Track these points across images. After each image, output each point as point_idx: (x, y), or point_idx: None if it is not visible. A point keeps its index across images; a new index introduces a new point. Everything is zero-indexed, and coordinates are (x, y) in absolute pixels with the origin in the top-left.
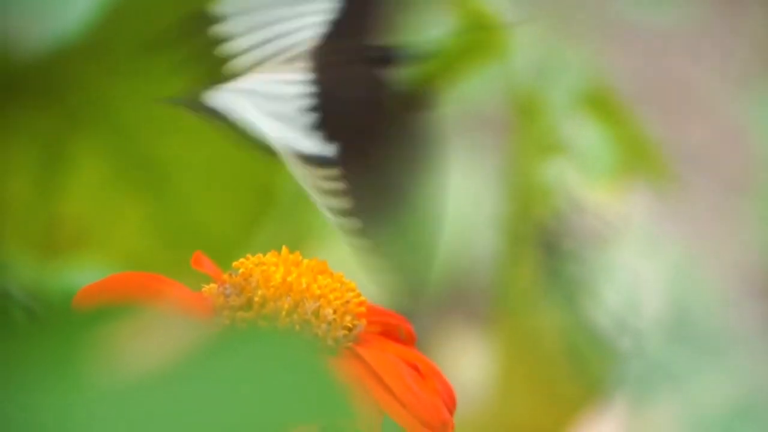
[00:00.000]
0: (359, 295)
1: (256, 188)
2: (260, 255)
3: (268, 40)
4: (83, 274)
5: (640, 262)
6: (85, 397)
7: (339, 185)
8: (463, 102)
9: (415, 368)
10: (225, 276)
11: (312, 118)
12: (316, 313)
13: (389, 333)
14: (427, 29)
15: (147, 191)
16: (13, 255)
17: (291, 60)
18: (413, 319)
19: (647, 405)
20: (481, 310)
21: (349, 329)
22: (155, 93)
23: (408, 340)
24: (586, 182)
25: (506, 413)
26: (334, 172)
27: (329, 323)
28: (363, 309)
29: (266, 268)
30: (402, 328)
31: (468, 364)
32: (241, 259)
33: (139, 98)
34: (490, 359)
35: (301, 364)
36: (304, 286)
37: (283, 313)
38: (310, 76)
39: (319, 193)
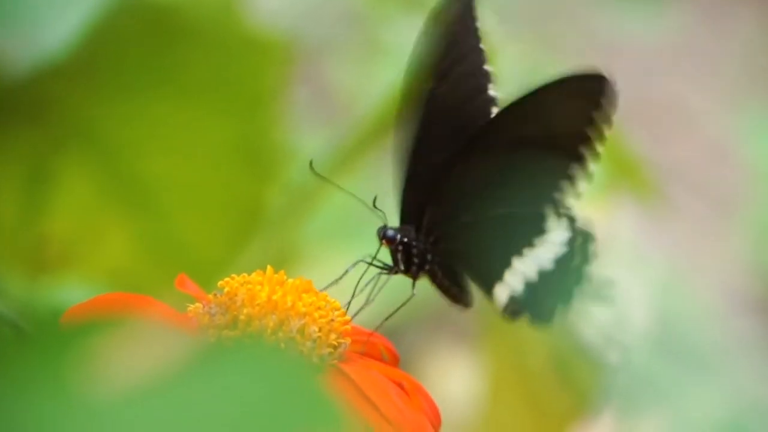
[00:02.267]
0: (344, 313)
1: (242, 207)
2: (245, 274)
3: None
4: (70, 292)
5: (627, 277)
6: (74, 413)
7: None
8: None
9: (400, 386)
10: (210, 295)
11: None
12: (301, 331)
13: (372, 353)
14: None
15: (132, 210)
16: (0, 273)
17: None
18: (401, 336)
19: (634, 419)
20: (469, 325)
21: (334, 347)
22: (140, 113)
23: (391, 361)
24: (573, 198)
25: (494, 428)
26: None
27: (314, 341)
28: (348, 327)
29: (251, 287)
30: (384, 348)
31: (456, 379)
32: (226, 279)
33: (124, 118)
34: (478, 374)
35: (291, 378)
36: (289, 304)
37: (269, 331)
38: None
39: None
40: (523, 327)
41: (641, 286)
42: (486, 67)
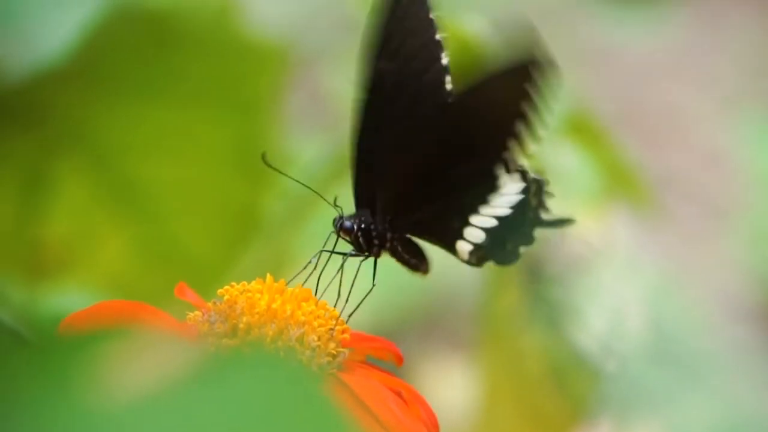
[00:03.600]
0: (343, 322)
1: (238, 212)
2: (245, 282)
3: None
4: (68, 298)
5: (622, 285)
6: (76, 422)
7: None
8: None
9: (399, 394)
10: (210, 303)
11: None
12: (301, 340)
13: (378, 355)
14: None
15: (129, 215)
16: None
17: None
18: (397, 343)
19: (630, 426)
20: (466, 333)
21: (333, 356)
22: (137, 118)
23: (395, 361)
24: (568, 207)
25: None
26: None
27: (313, 350)
28: (347, 336)
29: (251, 296)
30: (388, 351)
31: (452, 386)
32: (226, 287)
33: (121, 123)
34: (474, 381)
35: (293, 387)
36: (288, 313)
37: (268, 339)
38: None
39: None
40: (518, 335)
41: (636, 293)
42: (437, 36)
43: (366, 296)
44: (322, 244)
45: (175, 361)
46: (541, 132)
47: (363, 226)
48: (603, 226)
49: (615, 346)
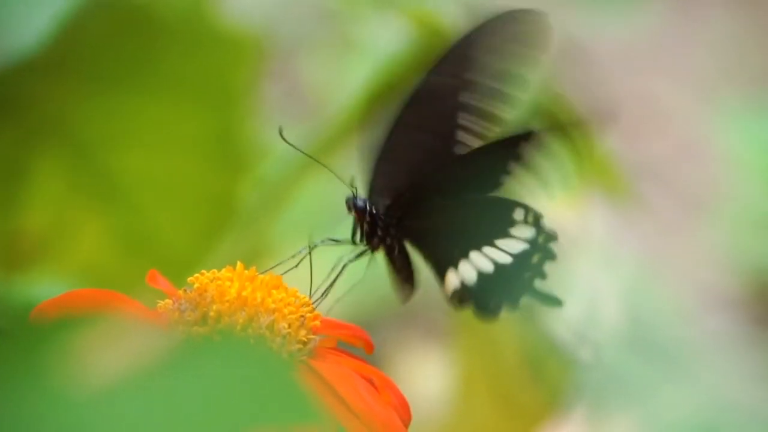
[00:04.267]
0: (313, 309)
1: (214, 203)
2: (215, 270)
3: None
4: (43, 288)
5: (599, 275)
6: (50, 408)
7: None
8: None
9: (370, 381)
10: (180, 291)
11: None
12: (271, 328)
13: (349, 341)
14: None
15: (105, 205)
16: None
17: None
18: (372, 332)
19: (606, 416)
20: (442, 323)
21: (304, 343)
22: (112, 109)
23: (366, 349)
24: (545, 196)
25: (466, 425)
26: None
27: (284, 337)
28: (317, 323)
29: (221, 283)
30: (359, 339)
31: (427, 376)
32: (196, 275)
33: (97, 114)
34: (449, 371)
35: (265, 372)
36: (258, 300)
37: (238, 327)
38: None
39: None
40: (494, 324)
41: (613, 283)
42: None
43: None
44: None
45: (145, 346)
46: (561, 190)
47: (374, 211)
48: (580, 216)
49: (591, 336)
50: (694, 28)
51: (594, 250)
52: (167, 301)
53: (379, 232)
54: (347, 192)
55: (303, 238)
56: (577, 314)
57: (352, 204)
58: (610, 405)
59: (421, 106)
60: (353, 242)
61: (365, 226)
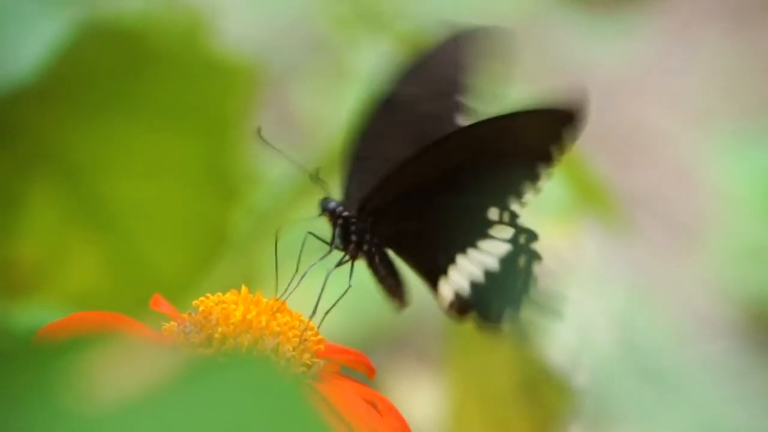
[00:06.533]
0: (317, 333)
1: (207, 229)
2: (220, 294)
3: None
4: (38, 316)
5: (592, 300)
6: (55, 428)
7: None
8: None
9: (373, 405)
10: (185, 314)
11: None
12: (276, 350)
13: (350, 364)
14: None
15: (100, 232)
16: None
17: None
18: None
19: None
20: (435, 349)
21: (308, 366)
22: (107, 136)
23: (367, 373)
24: (538, 221)
25: None
26: None
27: (288, 360)
28: (321, 347)
29: (226, 306)
30: (361, 363)
31: (420, 402)
32: (201, 298)
33: (91, 141)
34: (442, 397)
35: (274, 391)
36: (263, 323)
37: (243, 349)
38: None
39: None
40: (488, 350)
41: (606, 309)
42: (462, 97)
43: (339, 299)
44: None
45: (153, 366)
46: (542, 182)
47: (345, 213)
48: (572, 241)
49: (585, 361)
50: (688, 55)
51: (587, 275)
52: (172, 323)
53: (354, 237)
54: (316, 169)
55: (293, 265)
56: (570, 339)
57: (323, 205)
58: (605, 430)
59: (391, 114)
60: (331, 248)
61: (338, 231)
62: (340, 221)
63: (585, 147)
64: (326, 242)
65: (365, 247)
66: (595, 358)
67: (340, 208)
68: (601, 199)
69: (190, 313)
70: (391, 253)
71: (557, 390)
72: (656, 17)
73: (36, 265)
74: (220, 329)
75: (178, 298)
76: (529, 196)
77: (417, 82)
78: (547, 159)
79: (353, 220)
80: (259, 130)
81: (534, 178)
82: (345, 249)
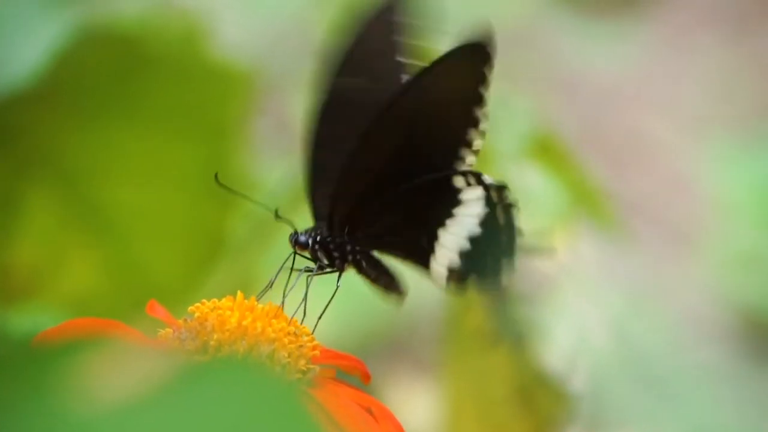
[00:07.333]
0: (313, 339)
1: (204, 235)
2: (215, 300)
3: None
4: (36, 320)
5: (588, 305)
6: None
7: None
8: None
9: (368, 411)
10: (180, 321)
11: None
12: (271, 357)
13: (347, 369)
14: None
15: (97, 238)
16: None
17: None
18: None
19: None
20: (431, 355)
21: (303, 373)
22: (104, 141)
23: (362, 378)
24: (534, 227)
25: None
26: None
27: (284, 366)
28: (317, 353)
29: (221, 313)
30: (357, 369)
31: (416, 408)
32: (197, 304)
33: (88, 146)
34: (438, 403)
35: (270, 395)
36: (259, 330)
37: (239, 356)
38: None
39: None
40: (484, 355)
41: (603, 315)
42: (400, 59)
43: (330, 301)
44: (282, 263)
45: (149, 371)
46: (484, 125)
47: (319, 239)
48: (569, 247)
49: (582, 366)
50: (684, 61)
51: (584, 281)
52: (167, 330)
53: (336, 254)
54: (276, 209)
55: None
56: (567, 344)
57: (294, 241)
58: None
59: (338, 113)
60: (320, 271)
61: (319, 255)
62: (316, 247)
63: (581, 153)
64: (312, 266)
65: (350, 258)
66: (592, 364)
67: (312, 236)
68: (598, 205)
69: (185, 320)
70: (376, 253)
71: (554, 395)
72: (652, 23)
73: (33, 269)
74: (215, 336)
75: (174, 304)
76: (478, 143)
77: (356, 67)
78: (478, 101)
79: (328, 239)
80: (216, 176)
81: (474, 123)
82: (332, 266)
